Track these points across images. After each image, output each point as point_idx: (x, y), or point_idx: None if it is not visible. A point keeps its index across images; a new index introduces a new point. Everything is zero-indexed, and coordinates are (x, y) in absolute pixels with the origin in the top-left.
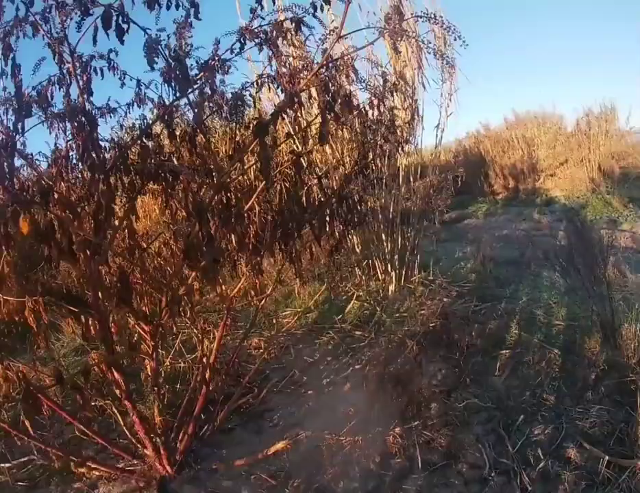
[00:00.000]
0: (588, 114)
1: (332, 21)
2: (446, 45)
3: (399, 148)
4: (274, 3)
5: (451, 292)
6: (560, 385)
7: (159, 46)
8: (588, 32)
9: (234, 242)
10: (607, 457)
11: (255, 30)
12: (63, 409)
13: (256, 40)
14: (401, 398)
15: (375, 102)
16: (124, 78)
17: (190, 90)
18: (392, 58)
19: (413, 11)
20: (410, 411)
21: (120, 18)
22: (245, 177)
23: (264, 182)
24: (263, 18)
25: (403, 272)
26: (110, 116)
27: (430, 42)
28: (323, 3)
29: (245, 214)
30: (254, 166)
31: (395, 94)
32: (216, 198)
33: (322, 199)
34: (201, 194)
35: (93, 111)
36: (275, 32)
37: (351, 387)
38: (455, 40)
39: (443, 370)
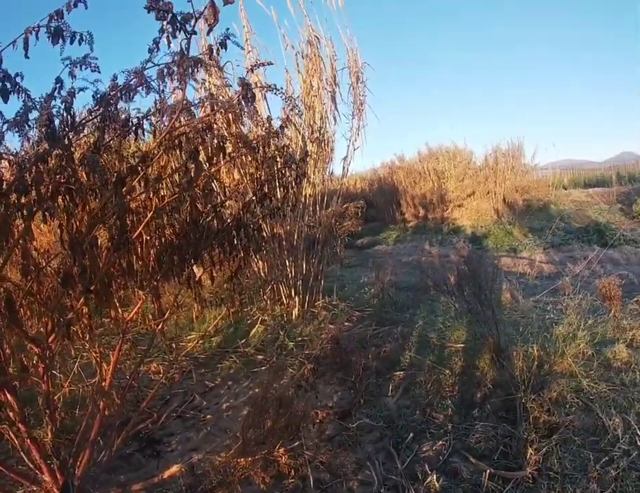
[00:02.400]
0: (496, 150)
1: (249, 52)
2: (358, 82)
3: (297, 181)
4: (168, 47)
5: (353, 317)
6: (449, 404)
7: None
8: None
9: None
10: (489, 470)
11: (144, 75)
12: None
13: (144, 86)
14: (284, 419)
15: (264, 141)
16: (27, 100)
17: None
18: (303, 91)
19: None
20: (292, 433)
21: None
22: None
23: (152, 211)
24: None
25: (307, 297)
26: (16, 129)
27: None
28: (220, 48)
29: (138, 240)
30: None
31: (293, 127)
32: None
33: (219, 227)
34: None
35: None
36: (161, 76)
37: (248, 411)
38: (362, 82)
39: (339, 392)
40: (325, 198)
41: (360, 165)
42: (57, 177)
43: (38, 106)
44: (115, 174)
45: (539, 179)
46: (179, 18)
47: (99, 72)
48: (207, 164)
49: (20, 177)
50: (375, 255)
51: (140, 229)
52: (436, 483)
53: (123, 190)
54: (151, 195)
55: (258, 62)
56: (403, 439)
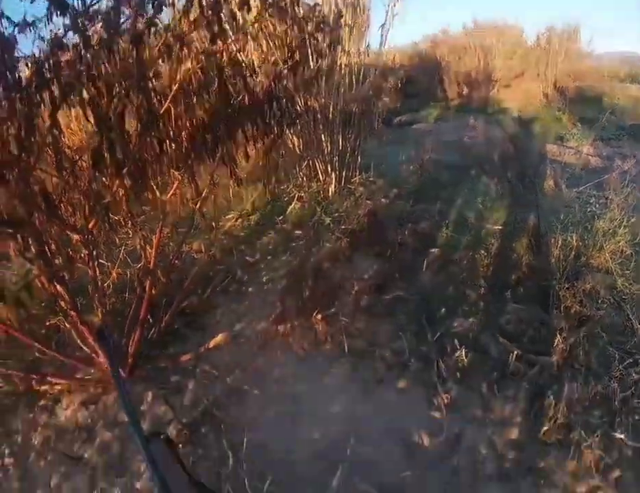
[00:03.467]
0: (550, 30)
1: None
2: None
3: (331, 47)
4: None
5: (390, 193)
6: (483, 283)
7: None
8: None
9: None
10: (517, 351)
11: None
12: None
13: None
14: (321, 288)
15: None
16: None
17: None
18: None
19: None
20: (328, 301)
21: None
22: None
23: (177, 85)
24: None
25: (344, 173)
26: (30, 30)
27: None
28: None
29: (167, 119)
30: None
31: None
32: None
33: (250, 101)
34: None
35: (8, 30)
36: None
37: (286, 282)
38: None
39: (375, 266)
40: (362, 70)
41: (401, 39)
42: (77, 65)
43: None
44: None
45: (594, 67)
46: None
47: None
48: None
49: (38, 70)
50: (415, 133)
51: (166, 104)
52: (464, 357)
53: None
54: (175, 66)
55: None
56: (436, 314)
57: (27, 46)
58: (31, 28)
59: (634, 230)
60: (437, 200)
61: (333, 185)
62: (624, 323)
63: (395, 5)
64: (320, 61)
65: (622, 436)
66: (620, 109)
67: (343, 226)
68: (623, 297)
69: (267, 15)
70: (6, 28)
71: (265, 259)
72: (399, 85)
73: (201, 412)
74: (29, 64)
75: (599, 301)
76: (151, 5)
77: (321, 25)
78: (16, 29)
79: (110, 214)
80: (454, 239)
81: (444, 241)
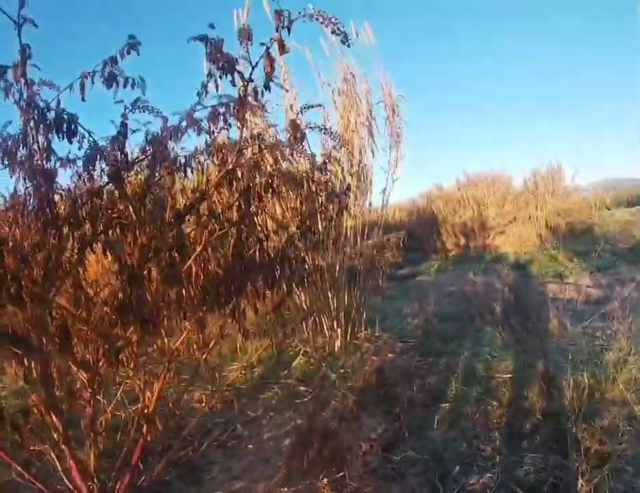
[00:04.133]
0: (535, 174)
1: (287, 92)
2: (394, 115)
3: (339, 214)
4: (217, 90)
5: (396, 348)
6: (497, 436)
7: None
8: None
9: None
10: None
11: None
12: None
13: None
14: (328, 450)
15: (309, 177)
16: (82, 141)
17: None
18: (341, 127)
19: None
20: (336, 464)
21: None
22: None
23: (201, 245)
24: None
25: (349, 329)
26: (70, 167)
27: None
28: (264, 89)
29: (185, 273)
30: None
31: (335, 163)
32: (154, 257)
33: (263, 260)
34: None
35: (52, 165)
36: (212, 118)
37: (291, 442)
38: (397, 115)
39: (383, 424)
40: (366, 229)
41: (398, 195)
42: (109, 211)
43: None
44: (172, 210)
45: (581, 200)
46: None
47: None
48: (258, 201)
49: (75, 210)
50: (417, 286)
51: (189, 261)
52: None
53: (182, 224)
54: (202, 230)
55: (307, 105)
56: (449, 472)
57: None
58: (72, 165)
59: None
60: (444, 353)
61: (339, 341)
62: None
63: (394, 172)
64: (329, 225)
65: None
66: (612, 236)
67: (350, 383)
68: None
69: (284, 189)
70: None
71: (267, 415)
72: (403, 241)
73: None
74: (64, 198)
75: (620, 434)
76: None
77: (331, 197)
78: (58, 162)
79: (119, 356)
80: (464, 393)
81: (454, 395)
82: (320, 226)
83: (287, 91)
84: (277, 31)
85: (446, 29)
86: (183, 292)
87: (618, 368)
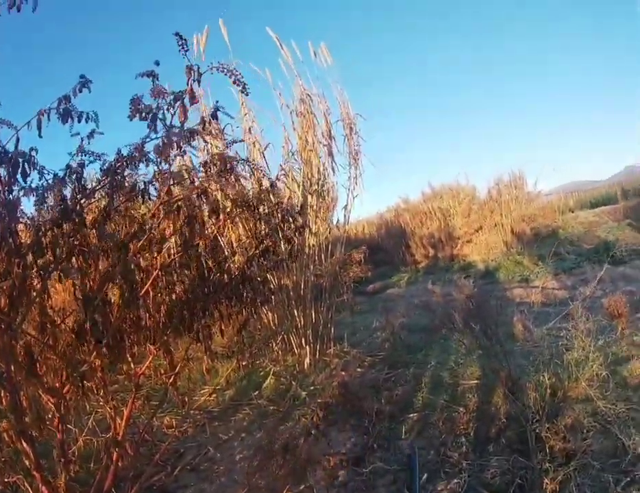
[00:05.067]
0: (498, 182)
1: (245, 115)
2: (352, 133)
3: (297, 233)
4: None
5: (365, 362)
6: (463, 441)
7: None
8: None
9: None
10: None
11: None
12: None
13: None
14: (295, 466)
15: (258, 200)
16: (41, 175)
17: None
18: (300, 147)
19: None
20: (298, 477)
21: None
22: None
23: (157, 269)
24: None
25: (318, 346)
26: (32, 195)
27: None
28: (211, 119)
29: (147, 296)
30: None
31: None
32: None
33: (225, 281)
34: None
35: (14, 195)
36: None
37: (257, 459)
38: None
39: (353, 438)
40: (329, 247)
41: (367, 211)
42: (71, 239)
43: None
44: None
45: (545, 205)
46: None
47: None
48: (201, 226)
49: (38, 239)
50: (387, 299)
51: (146, 286)
52: None
53: (128, 253)
54: (155, 255)
55: (232, 141)
56: (418, 481)
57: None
58: (34, 193)
59: (604, 351)
60: (411, 364)
61: (308, 358)
62: (614, 444)
63: (354, 189)
64: (290, 244)
65: None
66: (576, 237)
67: (319, 400)
68: (608, 419)
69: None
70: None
71: (239, 437)
72: (365, 256)
73: None
74: (28, 227)
75: (585, 431)
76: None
77: (286, 217)
78: (21, 192)
79: (85, 381)
80: (431, 401)
81: (421, 404)
82: (282, 246)
83: (245, 114)
84: (188, 84)
85: (406, 45)
86: (147, 316)
87: (580, 367)
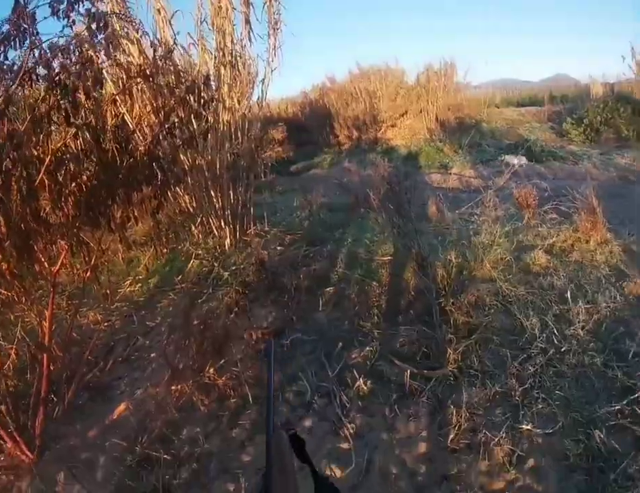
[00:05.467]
0: (428, 68)
1: None
2: (272, 0)
3: (204, 107)
4: None
5: (285, 240)
6: (375, 313)
7: None
8: None
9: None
10: (410, 370)
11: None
12: None
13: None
14: (210, 343)
15: (155, 68)
16: None
17: None
18: (212, 13)
19: None
20: (216, 352)
21: None
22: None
23: (49, 155)
24: None
25: (238, 227)
26: None
27: None
28: None
29: (47, 188)
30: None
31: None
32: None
33: (128, 164)
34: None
35: None
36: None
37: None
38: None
39: (273, 313)
40: (247, 124)
41: (292, 89)
42: None
43: None
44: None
45: (472, 97)
46: None
47: None
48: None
49: None
50: (309, 179)
51: (39, 176)
52: (364, 386)
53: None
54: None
55: None
56: (334, 349)
57: None
58: None
59: (511, 238)
60: (329, 241)
61: (228, 239)
62: (513, 323)
63: (272, 61)
64: (198, 120)
65: (529, 426)
66: (498, 132)
67: (241, 279)
68: (509, 300)
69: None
70: None
71: (166, 322)
72: (285, 135)
73: (114, 485)
74: None
75: (487, 308)
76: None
77: (190, 89)
78: None
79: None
80: (347, 276)
81: (337, 278)
82: (192, 121)
83: None
84: None
85: None
86: (51, 209)
87: (487, 250)
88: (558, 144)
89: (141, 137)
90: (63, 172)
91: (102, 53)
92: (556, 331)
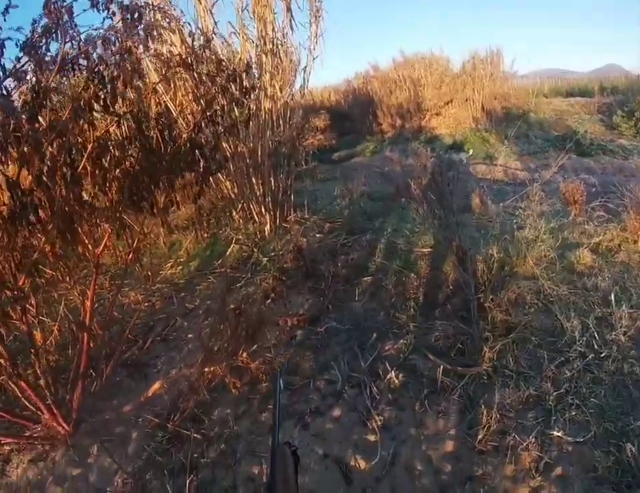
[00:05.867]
0: (474, 56)
1: None
2: None
3: (245, 95)
4: None
5: (324, 228)
6: (412, 305)
7: None
8: None
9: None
10: (444, 366)
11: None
12: None
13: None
14: (243, 326)
15: (195, 57)
16: None
17: None
18: (253, 2)
19: None
20: (250, 338)
21: None
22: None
23: (92, 142)
24: None
25: (278, 213)
26: None
27: None
28: None
29: (90, 173)
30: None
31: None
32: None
33: (171, 151)
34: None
35: None
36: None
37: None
38: None
39: (310, 300)
40: (288, 112)
41: (336, 77)
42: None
43: None
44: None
45: (519, 86)
46: None
47: None
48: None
49: None
50: (351, 168)
51: (82, 162)
52: (395, 379)
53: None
54: (87, 127)
55: None
56: (368, 340)
57: None
58: None
59: (556, 235)
60: (368, 230)
61: (268, 226)
62: (553, 324)
63: (314, 49)
64: (240, 108)
65: (559, 433)
66: (546, 123)
67: (279, 266)
68: (550, 299)
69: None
70: None
71: (204, 305)
72: (327, 122)
73: (144, 460)
74: None
75: (527, 307)
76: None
77: (231, 77)
78: None
79: (42, 269)
80: (385, 266)
81: (375, 269)
82: (234, 109)
83: None
84: None
85: None
86: (94, 194)
87: (530, 246)
88: (607, 137)
89: (184, 125)
90: (108, 158)
91: (140, 44)
92: (596, 335)
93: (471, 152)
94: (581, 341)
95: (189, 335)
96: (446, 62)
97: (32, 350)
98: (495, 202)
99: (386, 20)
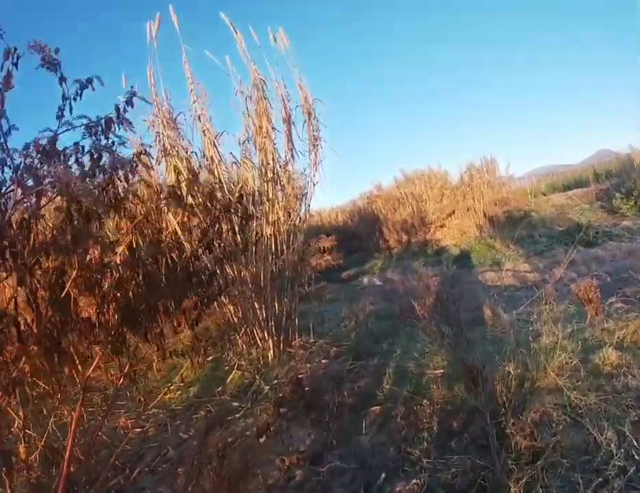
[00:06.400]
0: (470, 167)
1: (194, 102)
2: (311, 119)
3: (243, 223)
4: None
5: (330, 353)
6: (425, 437)
7: None
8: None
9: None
10: None
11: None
12: None
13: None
14: (247, 468)
15: (189, 189)
16: None
17: None
18: (254, 133)
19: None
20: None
21: None
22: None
23: (76, 269)
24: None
25: (282, 338)
26: None
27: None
28: (126, 105)
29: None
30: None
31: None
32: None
33: (164, 278)
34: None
35: None
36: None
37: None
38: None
39: (312, 434)
40: (291, 237)
41: (341, 198)
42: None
43: None
44: None
45: (517, 189)
46: None
47: None
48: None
49: None
50: (360, 287)
51: (67, 287)
52: None
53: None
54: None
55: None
56: (375, 480)
57: None
58: None
59: (575, 338)
60: (376, 354)
61: (272, 351)
62: (586, 439)
63: (314, 176)
64: (241, 235)
65: None
66: (548, 220)
67: (281, 395)
68: (579, 411)
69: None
70: None
71: (199, 436)
72: (334, 243)
73: None
74: None
75: (554, 425)
76: None
77: (224, 209)
78: None
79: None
80: (394, 393)
81: (384, 396)
82: (236, 236)
83: (194, 101)
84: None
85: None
86: (77, 317)
87: (549, 354)
88: (610, 222)
89: (177, 255)
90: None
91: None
92: (635, 443)
93: None
94: (619, 454)
95: (179, 469)
96: (444, 175)
97: (3, 469)
98: (508, 310)
99: (387, 142)
